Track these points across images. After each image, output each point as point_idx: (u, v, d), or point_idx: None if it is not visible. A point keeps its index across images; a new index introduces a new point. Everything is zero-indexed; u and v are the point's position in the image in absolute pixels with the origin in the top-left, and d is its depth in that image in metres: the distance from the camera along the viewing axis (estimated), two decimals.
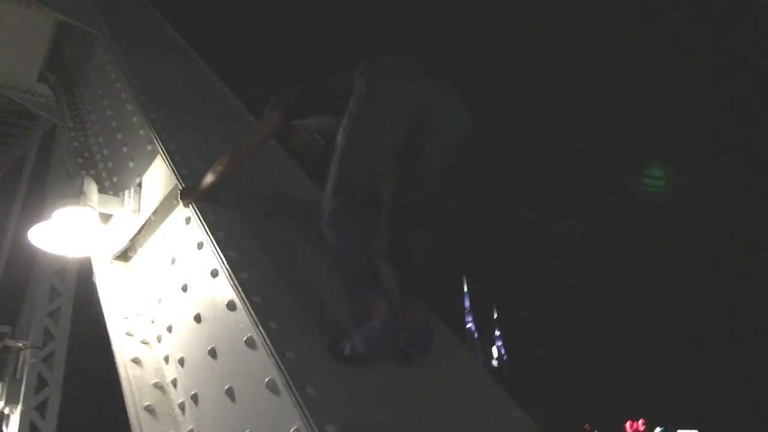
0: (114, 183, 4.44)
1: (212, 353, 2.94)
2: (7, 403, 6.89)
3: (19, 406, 6.80)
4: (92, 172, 4.67)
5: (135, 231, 3.91)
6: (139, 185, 4.01)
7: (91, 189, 3.86)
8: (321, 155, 3.24)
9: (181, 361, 3.19)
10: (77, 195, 3.74)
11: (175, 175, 3.54)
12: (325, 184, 2.99)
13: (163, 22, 6.77)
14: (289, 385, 2.34)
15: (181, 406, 3.07)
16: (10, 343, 6.98)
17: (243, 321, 2.76)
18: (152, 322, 3.56)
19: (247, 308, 2.70)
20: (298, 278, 3.06)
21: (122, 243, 3.98)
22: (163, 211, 3.74)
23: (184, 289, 3.32)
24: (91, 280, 4.11)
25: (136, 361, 3.41)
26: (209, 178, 3.34)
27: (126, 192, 4.03)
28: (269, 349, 2.51)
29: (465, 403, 2.80)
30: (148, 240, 3.85)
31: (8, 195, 8.26)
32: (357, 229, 2.84)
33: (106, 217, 4.09)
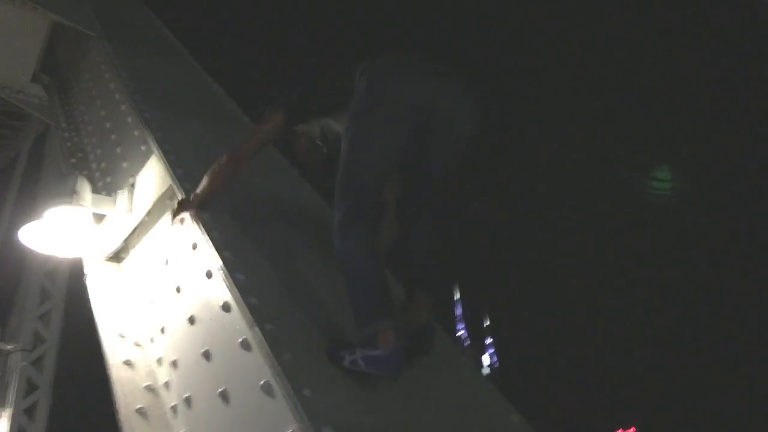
0: (107, 183, 4.40)
1: (206, 355, 2.90)
2: None
3: (8, 410, 6.72)
4: (85, 172, 4.62)
5: (128, 232, 3.86)
6: (133, 185, 3.97)
7: (84, 188, 3.82)
8: (324, 162, 3.19)
9: (174, 364, 3.14)
10: (70, 194, 3.69)
11: (171, 175, 3.49)
12: (326, 190, 2.94)
13: (157, 23, 6.75)
14: (286, 388, 2.30)
15: (174, 409, 3.03)
16: None
17: (238, 322, 2.71)
18: (145, 323, 3.52)
19: (243, 309, 2.65)
20: (295, 280, 3.01)
21: (115, 244, 3.94)
22: (157, 211, 3.70)
23: (178, 290, 3.28)
24: (83, 282, 4.06)
25: (127, 363, 3.36)
26: (207, 185, 3.22)
27: (119, 192, 3.99)
28: (265, 350, 2.46)
29: (463, 407, 2.76)
30: (142, 240, 3.81)
31: None
32: (368, 241, 2.73)
33: (98, 218, 4.04)
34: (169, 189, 3.55)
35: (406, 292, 2.89)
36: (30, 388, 6.81)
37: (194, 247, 3.24)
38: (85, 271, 3.97)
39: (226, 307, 2.84)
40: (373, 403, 2.50)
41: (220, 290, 2.89)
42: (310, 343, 2.60)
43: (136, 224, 3.83)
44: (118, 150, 4.48)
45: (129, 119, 4.46)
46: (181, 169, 3.54)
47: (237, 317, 2.72)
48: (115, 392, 3.22)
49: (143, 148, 4.05)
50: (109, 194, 4.10)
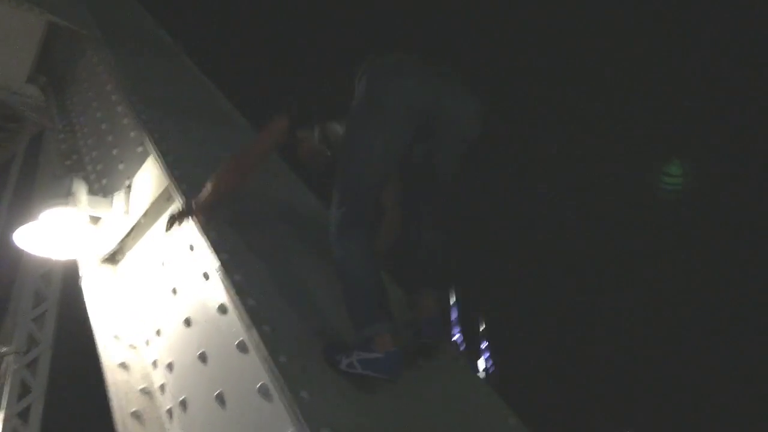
0: (103, 185, 4.37)
1: (202, 357, 2.87)
2: None
3: (1, 413, 6.67)
4: (81, 174, 4.59)
5: (124, 233, 3.84)
6: (129, 187, 3.95)
7: (80, 190, 3.80)
8: (329, 165, 3.13)
9: (170, 366, 3.12)
10: (66, 196, 3.68)
11: (168, 176, 3.47)
12: (329, 193, 2.91)
13: (153, 24, 6.73)
14: (283, 390, 2.28)
15: (169, 412, 3.00)
16: None
17: (235, 324, 2.69)
18: (140, 325, 3.49)
19: (240, 311, 2.64)
20: (292, 282, 3.00)
21: (111, 245, 3.91)
22: (153, 213, 3.67)
23: (174, 292, 3.26)
24: (78, 284, 4.03)
25: (123, 365, 3.34)
26: (210, 193, 3.11)
27: (116, 194, 3.96)
28: (262, 352, 2.44)
29: (462, 410, 2.75)
30: (138, 242, 3.78)
31: None
32: (366, 245, 2.71)
33: (94, 219, 4.01)
34: (166, 190, 3.52)
35: (412, 289, 2.88)
36: (24, 391, 6.76)
37: (191, 248, 3.21)
38: (81, 273, 3.95)
39: (222, 309, 2.82)
40: (371, 405, 2.48)
41: (216, 292, 2.87)
42: (307, 346, 2.59)
43: (132, 226, 3.80)
44: (115, 152, 4.46)
45: (126, 121, 4.44)
46: (178, 171, 3.52)
47: (234, 319, 2.71)
48: (110, 395, 3.20)
49: (140, 149, 4.03)
50: (105, 196, 4.08)
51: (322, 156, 3.16)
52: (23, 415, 6.72)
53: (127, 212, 3.86)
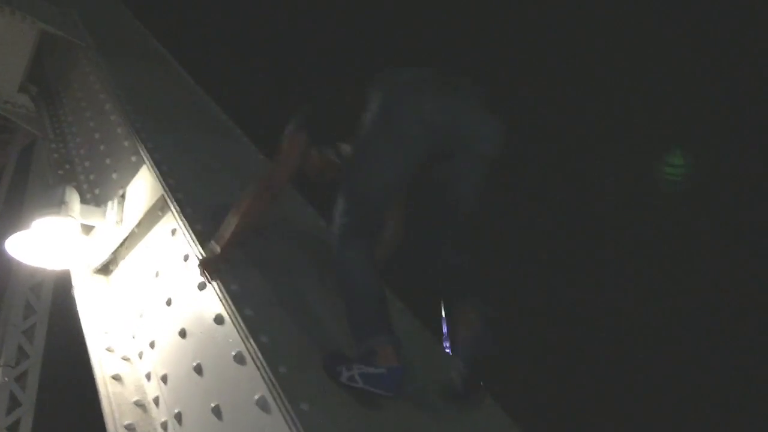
0: (96, 195, 4.32)
1: (198, 369, 2.82)
2: None
3: None
4: (73, 184, 4.54)
5: (117, 243, 3.78)
6: (123, 196, 3.90)
7: (73, 199, 3.74)
8: (337, 179, 3.01)
9: (164, 378, 3.06)
10: (58, 205, 3.62)
11: (162, 185, 3.42)
12: (328, 207, 2.84)
13: (145, 33, 6.69)
14: (283, 402, 2.23)
15: (164, 426, 2.94)
16: None
17: (231, 335, 2.64)
18: (133, 337, 3.43)
19: (237, 322, 2.58)
20: (290, 293, 2.95)
21: (103, 256, 3.85)
22: (147, 223, 3.62)
23: (168, 303, 3.20)
24: (69, 295, 3.97)
25: (116, 377, 3.28)
26: (231, 231, 2.86)
27: (109, 203, 3.91)
28: (261, 364, 2.39)
29: (464, 422, 2.70)
30: (131, 253, 3.72)
31: None
32: (368, 255, 2.65)
33: (87, 229, 3.96)
34: (160, 200, 3.48)
35: (448, 310, 2.75)
36: (13, 404, 6.67)
37: (186, 258, 3.17)
38: (73, 283, 3.88)
39: (218, 320, 2.77)
40: (372, 418, 2.43)
41: (212, 302, 2.82)
42: (307, 357, 2.53)
43: (125, 236, 3.75)
44: (108, 161, 4.41)
45: (119, 130, 4.39)
46: (172, 180, 3.47)
47: (230, 330, 2.65)
48: (103, 408, 3.13)
49: (133, 158, 3.99)
50: (98, 205, 4.03)
51: (332, 171, 3.03)
52: (12, 429, 6.63)
53: (120, 222, 3.81)
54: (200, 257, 2.93)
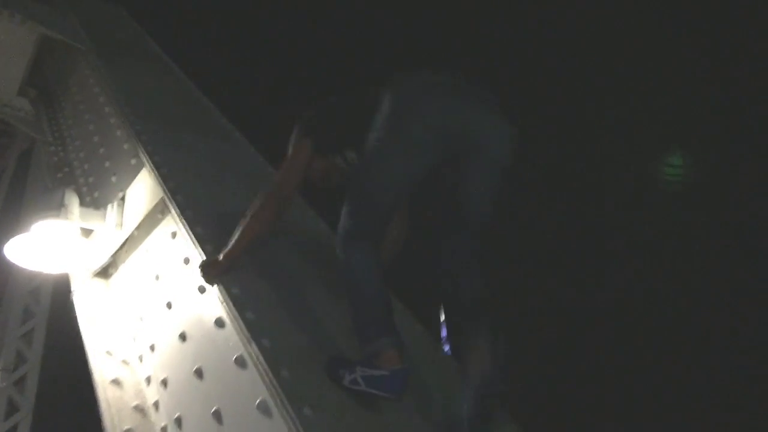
0: (95, 198, 4.30)
1: (198, 373, 2.79)
2: None
3: None
4: (72, 187, 4.52)
5: (117, 246, 3.76)
6: (122, 199, 3.88)
7: (73, 202, 3.72)
8: (343, 187, 2.94)
9: (164, 382, 3.03)
10: (58, 208, 3.60)
11: (162, 187, 3.41)
12: (330, 211, 2.79)
13: (145, 37, 6.70)
14: (285, 406, 2.20)
15: (164, 430, 2.91)
16: None
17: (232, 338, 2.62)
18: (133, 340, 3.41)
19: (239, 325, 2.56)
20: (292, 296, 2.92)
21: (103, 259, 3.83)
22: (147, 226, 3.60)
23: (169, 306, 3.18)
24: (68, 300, 3.95)
25: (115, 382, 3.25)
26: (237, 240, 2.82)
27: (109, 206, 3.89)
28: (262, 367, 2.36)
29: None
30: (131, 256, 3.70)
31: None
32: (373, 256, 2.60)
33: (86, 232, 3.93)
34: (161, 202, 3.46)
35: (461, 337, 2.63)
36: (11, 409, 6.63)
37: (186, 261, 3.15)
38: (72, 287, 3.86)
39: (219, 323, 2.74)
40: (375, 422, 2.41)
41: (213, 305, 2.80)
42: (310, 360, 2.50)
43: (125, 239, 3.73)
44: (107, 164, 4.40)
45: (119, 133, 4.38)
46: (172, 182, 3.46)
47: (231, 333, 2.63)
48: (102, 412, 3.11)
49: (133, 161, 3.97)
50: (97, 209, 4.01)
51: (340, 176, 2.97)
52: None
53: (120, 225, 3.79)
54: (201, 260, 2.91)
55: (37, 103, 6.10)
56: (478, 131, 2.68)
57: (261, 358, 2.39)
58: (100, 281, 3.87)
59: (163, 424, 2.93)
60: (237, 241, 2.82)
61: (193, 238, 3.03)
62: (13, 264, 3.86)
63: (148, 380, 3.18)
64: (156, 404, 3.05)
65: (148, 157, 3.69)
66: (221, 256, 2.82)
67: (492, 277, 2.71)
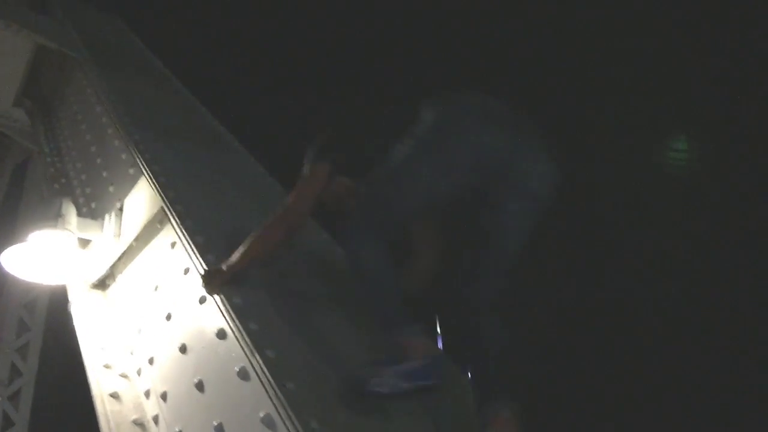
0: (92, 209, 4.25)
1: (199, 386, 2.72)
2: None
3: None
4: (69, 197, 4.47)
5: (115, 257, 3.70)
6: (120, 209, 3.82)
7: (70, 212, 3.67)
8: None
9: (164, 396, 2.96)
10: (55, 218, 3.54)
11: (161, 197, 3.35)
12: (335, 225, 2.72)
13: (142, 47, 6.67)
14: (291, 419, 2.13)
15: None
16: None
17: (235, 350, 2.55)
18: (132, 353, 3.34)
19: (241, 336, 2.50)
20: (297, 306, 2.86)
21: (101, 270, 3.77)
22: (145, 236, 3.54)
23: (168, 317, 3.11)
24: (65, 312, 3.88)
25: (114, 395, 3.17)
26: (241, 257, 2.76)
27: (106, 216, 3.83)
28: (267, 379, 2.30)
29: None
30: (129, 267, 3.64)
31: None
32: (385, 252, 2.50)
33: (83, 243, 3.88)
34: (160, 212, 3.40)
35: (479, 399, 2.46)
36: (6, 424, 6.56)
37: (186, 272, 3.08)
38: (70, 299, 3.79)
39: (221, 334, 2.68)
40: None
41: (214, 316, 2.73)
42: (316, 371, 2.44)
43: (123, 250, 3.67)
44: (105, 174, 4.34)
45: (116, 142, 4.32)
46: (171, 192, 3.40)
47: (234, 344, 2.56)
48: (101, 427, 3.03)
49: (131, 171, 3.91)
50: (95, 219, 3.95)
51: (352, 199, 2.87)
52: None
53: (118, 235, 3.73)
54: (202, 270, 2.86)
55: (34, 114, 6.05)
56: (519, 164, 2.56)
57: (265, 369, 2.32)
58: (97, 293, 3.81)
59: None
60: (241, 257, 2.77)
61: (194, 248, 2.97)
62: (9, 276, 3.81)
63: (148, 394, 3.11)
64: (155, 418, 2.97)
65: (146, 167, 3.64)
66: (223, 267, 2.76)
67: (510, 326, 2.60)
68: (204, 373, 2.73)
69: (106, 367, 3.33)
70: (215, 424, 2.53)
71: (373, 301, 2.47)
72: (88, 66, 5.42)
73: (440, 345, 2.83)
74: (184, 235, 3.10)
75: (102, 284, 3.82)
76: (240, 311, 2.59)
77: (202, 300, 2.87)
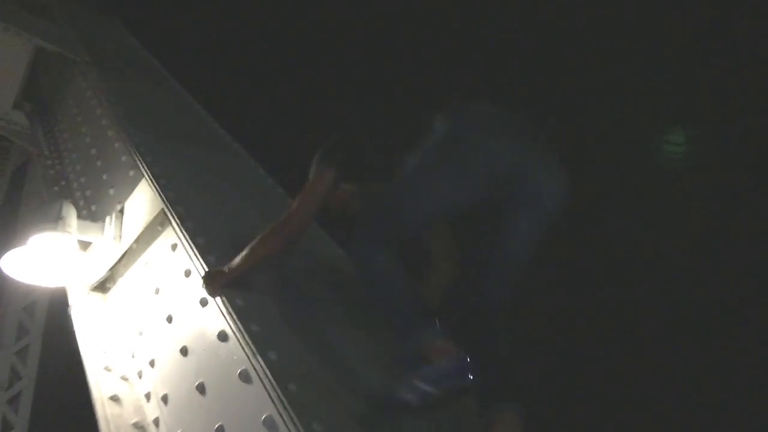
0: (93, 211, 4.23)
1: (200, 389, 2.71)
2: None
3: None
4: (69, 200, 4.45)
5: (115, 260, 3.69)
6: (121, 211, 3.81)
7: (70, 214, 3.65)
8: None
9: (165, 399, 2.95)
10: (55, 220, 3.52)
11: (162, 199, 3.35)
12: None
13: (142, 50, 6.66)
14: (294, 421, 2.12)
15: None
16: None
17: (236, 352, 2.54)
18: (132, 356, 3.33)
19: (243, 338, 2.49)
20: (299, 309, 2.85)
21: (101, 273, 3.75)
22: (146, 238, 3.53)
23: (169, 320, 3.10)
24: (64, 315, 3.87)
25: (114, 398, 3.16)
26: (240, 262, 2.74)
27: (107, 218, 3.82)
28: (269, 381, 2.29)
29: None
30: (130, 269, 3.62)
31: None
32: (394, 257, 2.46)
33: (84, 245, 3.87)
34: (160, 214, 3.39)
35: (484, 401, 2.43)
36: (5, 427, 6.53)
37: (187, 274, 3.07)
38: (70, 302, 3.78)
39: (222, 336, 2.67)
40: None
41: (216, 318, 2.72)
42: (320, 373, 2.43)
43: (123, 252, 3.66)
44: (105, 177, 4.33)
45: (116, 145, 4.31)
46: (172, 193, 3.40)
47: (235, 346, 2.55)
48: (101, 430, 3.02)
49: (131, 173, 3.90)
50: (95, 221, 3.94)
51: (357, 207, 2.86)
52: None
53: (118, 237, 3.72)
54: (203, 271, 2.85)
55: (33, 117, 6.02)
56: (533, 178, 2.53)
57: (268, 372, 2.31)
58: (98, 295, 3.79)
59: None
60: (242, 260, 2.75)
61: (195, 250, 2.97)
62: (8, 279, 3.79)
63: (148, 396, 3.10)
64: (156, 421, 2.96)
65: (147, 169, 3.63)
66: (225, 269, 2.75)
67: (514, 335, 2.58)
68: (205, 376, 2.72)
69: (107, 369, 3.32)
70: (216, 426, 2.51)
71: (390, 311, 2.42)
72: (88, 68, 5.42)
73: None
74: (185, 236, 3.10)
75: (102, 287, 3.80)
76: (242, 313, 2.58)
77: (204, 302, 2.86)
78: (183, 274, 3.10)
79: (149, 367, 3.16)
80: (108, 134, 4.53)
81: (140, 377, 3.22)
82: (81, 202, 4.41)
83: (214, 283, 2.74)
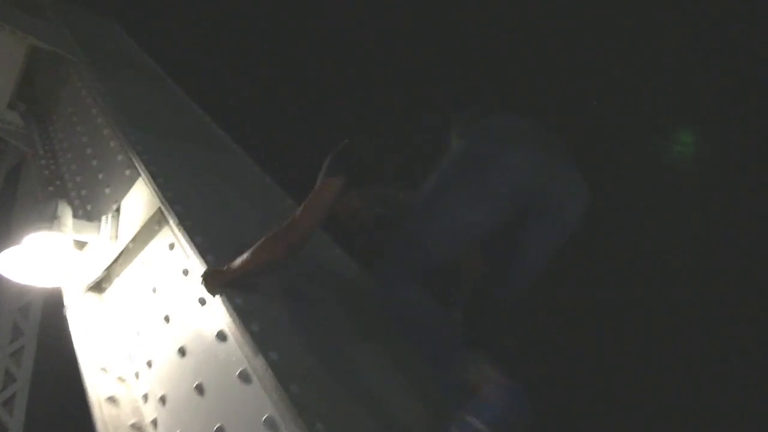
0: (88, 211, 4.18)
1: (199, 389, 2.68)
2: None
3: None
4: (64, 200, 4.40)
5: (111, 259, 3.64)
6: (117, 211, 3.76)
7: (66, 214, 3.61)
8: (371, 227, 2.78)
9: (163, 399, 2.91)
10: (50, 219, 3.48)
11: (159, 198, 3.30)
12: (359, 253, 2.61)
13: (138, 50, 6.62)
14: (295, 422, 2.08)
15: None
16: None
17: (235, 352, 2.51)
18: (129, 357, 3.28)
19: (243, 337, 2.44)
20: (300, 309, 2.81)
21: (97, 272, 3.70)
22: (143, 237, 3.48)
23: (167, 320, 3.06)
24: (60, 316, 3.82)
25: (111, 399, 3.12)
26: (245, 263, 2.68)
27: (103, 218, 3.77)
28: (269, 382, 2.25)
29: None
30: (126, 269, 3.58)
31: None
32: (420, 287, 2.36)
33: (79, 245, 3.82)
34: (157, 213, 3.35)
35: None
36: (0, 430, 6.47)
37: (185, 273, 3.03)
38: (65, 302, 3.73)
39: (221, 336, 2.63)
40: None
41: (215, 318, 2.68)
42: (320, 374, 2.39)
43: (119, 251, 3.61)
44: (101, 176, 4.28)
45: (112, 144, 4.27)
46: (169, 192, 3.35)
47: (235, 346, 2.52)
48: (98, 431, 2.98)
49: (128, 172, 3.86)
50: (91, 221, 3.89)
51: (369, 216, 2.79)
52: None
53: (114, 237, 3.67)
54: (202, 270, 2.80)
55: (28, 117, 5.97)
56: (557, 190, 2.47)
57: (269, 371, 2.27)
58: (94, 295, 3.74)
59: None
60: (243, 262, 2.70)
61: (194, 248, 2.92)
62: (2, 279, 3.74)
63: (146, 397, 3.05)
64: (154, 422, 2.92)
65: (143, 167, 3.58)
66: (225, 269, 2.70)
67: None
68: (204, 377, 2.68)
69: (103, 370, 3.27)
70: (216, 427, 2.48)
71: (428, 345, 2.31)
72: (83, 67, 5.37)
73: None
74: (183, 235, 3.05)
75: (98, 287, 3.75)
76: (242, 312, 2.54)
77: (203, 301, 2.82)
78: (181, 273, 3.06)
79: (147, 367, 3.11)
80: (103, 133, 4.48)
81: (137, 378, 3.17)
82: (76, 202, 4.36)
83: (213, 282, 2.69)
